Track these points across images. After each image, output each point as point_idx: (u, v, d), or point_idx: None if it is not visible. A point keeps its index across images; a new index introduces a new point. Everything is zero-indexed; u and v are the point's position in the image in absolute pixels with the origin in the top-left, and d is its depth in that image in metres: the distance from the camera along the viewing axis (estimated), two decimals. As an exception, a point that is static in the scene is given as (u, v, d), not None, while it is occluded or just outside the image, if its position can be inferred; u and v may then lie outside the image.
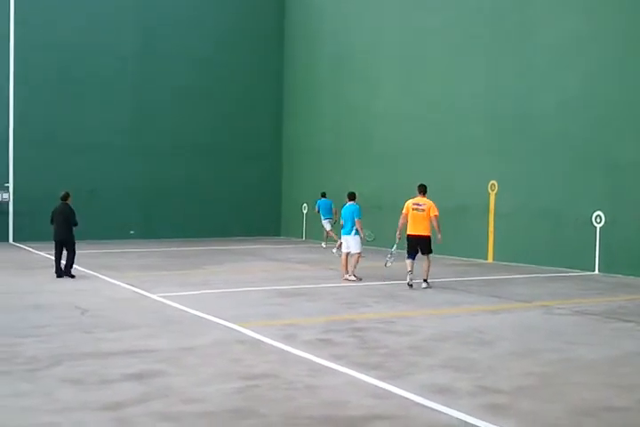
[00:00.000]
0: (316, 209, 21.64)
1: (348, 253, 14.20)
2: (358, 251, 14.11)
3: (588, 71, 16.16)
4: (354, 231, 14.10)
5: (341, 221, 14.54)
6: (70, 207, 14.66)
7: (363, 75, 23.51)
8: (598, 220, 15.81)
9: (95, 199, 23.70)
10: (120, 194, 24.77)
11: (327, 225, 21.37)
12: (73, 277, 14.20)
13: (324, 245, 21.91)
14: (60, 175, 23.27)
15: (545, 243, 17.06)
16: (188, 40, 26.02)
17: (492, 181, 18.51)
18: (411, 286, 12.83)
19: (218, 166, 26.35)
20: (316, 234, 22.92)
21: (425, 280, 12.99)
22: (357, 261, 14.14)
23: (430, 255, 13.27)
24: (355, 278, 13.93)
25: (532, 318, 9.89)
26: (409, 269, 13.00)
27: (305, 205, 25.82)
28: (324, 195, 21.76)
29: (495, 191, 18.45)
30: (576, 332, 8.89)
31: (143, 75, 25.40)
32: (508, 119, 18.11)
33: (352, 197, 14.54)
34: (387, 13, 22.53)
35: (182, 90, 25.89)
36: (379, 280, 14.02)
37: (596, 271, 15.65)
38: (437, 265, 17.20)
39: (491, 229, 18.56)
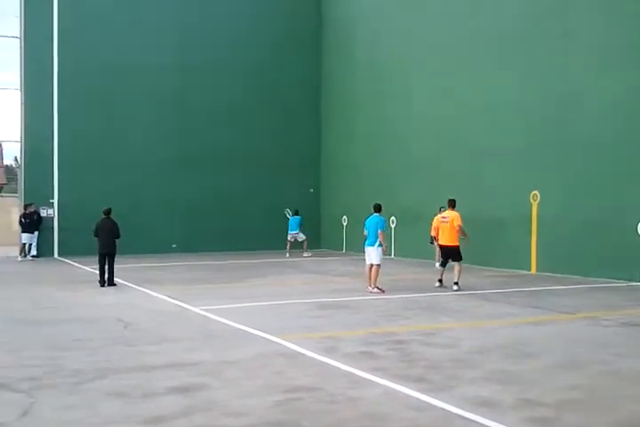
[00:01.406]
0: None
1: (371, 265, 14.10)
2: (378, 262, 14.03)
3: (631, 76, 15.91)
4: (377, 243, 14.03)
5: (365, 232, 14.42)
6: (113, 221, 15.43)
7: (399, 85, 23.51)
8: (644, 229, 15.53)
9: (137, 214, 24.00)
10: (161, 208, 25.09)
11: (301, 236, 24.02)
12: (115, 285, 15.18)
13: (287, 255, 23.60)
14: (103, 191, 23.65)
15: (589, 253, 16.78)
16: (228, 55, 26.34)
17: (534, 191, 18.31)
18: (440, 281, 14.71)
19: (257, 180, 26.52)
20: (358, 246, 22.80)
21: (456, 283, 14.24)
22: (378, 273, 14.04)
23: (461, 262, 14.68)
24: (378, 291, 13.81)
25: (576, 329, 9.73)
26: (439, 277, 14.84)
27: (345, 217, 25.84)
28: (296, 213, 24.60)
29: (537, 201, 18.23)
30: (622, 343, 8.72)
31: (184, 90, 25.75)
32: (549, 127, 17.92)
33: (378, 208, 14.48)
34: (423, 21, 22.53)
35: (222, 104, 26.17)
36: (419, 292, 13.93)
37: (643, 282, 15.36)
38: (479, 277, 17.11)
39: (533, 239, 18.33)
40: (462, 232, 14.81)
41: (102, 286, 15.06)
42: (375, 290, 13.86)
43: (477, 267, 19.40)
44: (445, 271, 14.92)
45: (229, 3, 26.68)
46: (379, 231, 13.98)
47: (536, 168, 18.28)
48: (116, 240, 15.38)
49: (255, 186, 26.35)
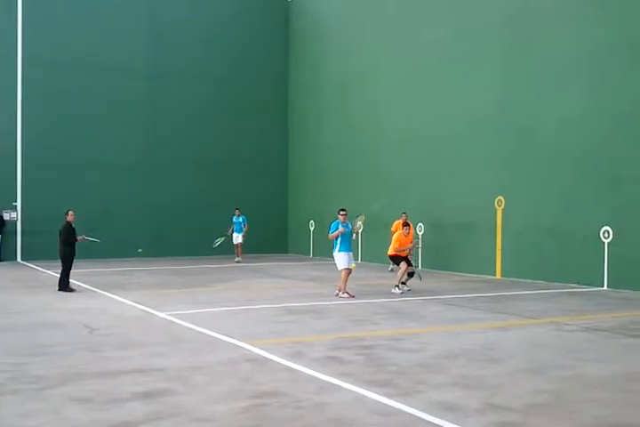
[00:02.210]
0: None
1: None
2: (339, 267, 14.08)
3: (594, 85, 16.18)
4: (334, 248, 14.14)
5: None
6: (65, 225, 15.17)
7: (367, 93, 23.64)
8: (606, 235, 15.75)
9: (103, 218, 23.76)
10: (127, 212, 24.88)
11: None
12: (65, 290, 14.88)
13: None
14: (69, 194, 23.39)
15: (553, 258, 17.01)
16: (198, 59, 26.34)
17: (498, 197, 18.50)
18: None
19: (225, 184, 26.49)
20: (325, 251, 22.82)
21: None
22: (345, 278, 13.96)
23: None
24: (347, 296, 13.82)
25: (541, 334, 9.83)
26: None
27: (312, 222, 25.85)
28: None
29: (502, 207, 18.42)
30: (586, 348, 8.83)
31: (153, 93, 25.62)
32: (513, 134, 18.13)
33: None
34: (390, 30, 22.68)
35: (191, 108, 26.13)
36: (386, 297, 13.98)
37: (605, 287, 15.58)
38: (445, 282, 17.25)
39: (498, 244, 18.52)
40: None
41: (59, 290, 15.00)
42: (344, 295, 13.91)
43: (443, 272, 19.56)
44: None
45: (200, 8, 26.60)
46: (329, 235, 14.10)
47: (501, 174, 18.48)
48: (67, 244, 15.08)
49: (223, 190, 26.27)
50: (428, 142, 20.98)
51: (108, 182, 24.75)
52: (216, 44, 26.69)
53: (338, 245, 14.09)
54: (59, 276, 15.27)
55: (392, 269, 18.61)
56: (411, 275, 15.32)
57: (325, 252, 21.79)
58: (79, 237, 15.27)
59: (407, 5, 22.04)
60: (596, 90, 16.17)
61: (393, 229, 18.50)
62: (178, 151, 25.86)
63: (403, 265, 15.00)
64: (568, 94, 16.75)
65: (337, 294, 13.96)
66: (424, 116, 21.14)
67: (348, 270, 14.00)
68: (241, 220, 23.78)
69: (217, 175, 26.46)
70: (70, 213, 15.25)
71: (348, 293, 13.92)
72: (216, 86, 26.54)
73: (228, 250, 23.87)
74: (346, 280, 13.99)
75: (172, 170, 25.75)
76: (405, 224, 15.61)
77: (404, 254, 15.28)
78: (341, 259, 14.07)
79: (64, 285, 14.98)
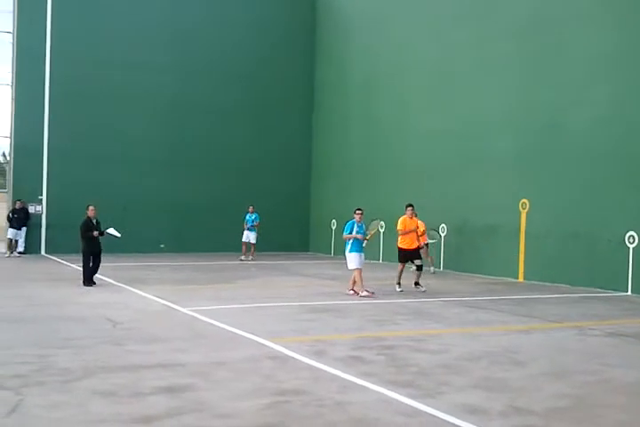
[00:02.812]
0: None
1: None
2: (350, 267, 14.19)
3: (621, 86, 16.00)
4: (348, 247, 14.22)
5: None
6: (84, 220, 15.16)
7: (392, 91, 23.59)
8: (631, 240, 15.60)
9: (127, 213, 23.92)
10: (151, 208, 25.05)
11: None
12: (89, 285, 14.91)
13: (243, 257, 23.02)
14: (93, 189, 23.56)
15: (577, 262, 16.86)
16: (225, 58, 26.49)
17: (522, 200, 18.38)
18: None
19: (248, 182, 26.55)
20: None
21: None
22: (359, 277, 14.00)
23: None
24: (367, 294, 13.82)
25: (564, 338, 9.76)
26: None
27: (334, 221, 25.84)
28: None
29: (526, 210, 18.31)
30: (610, 353, 8.76)
31: (180, 91, 25.77)
32: (539, 136, 18.01)
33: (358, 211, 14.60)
34: (416, 29, 22.65)
35: (217, 107, 26.25)
36: (406, 297, 13.95)
37: (629, 292, 15.42)
38: (466, 283, 17.18)
39: (522, 247, 18.40)
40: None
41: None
42: (350, 292, 14.10)
43: (466, 274, 19.49)
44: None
45: (229, 7, 26.71)
46: (357, 235, 14.13)
47: (525, 177, 18.36)
48: (84, 239, 15.13)
49: (246, 187, 26.33)
50: (452, 143, 20.89)
51: (133, 178, 24.92)
52: (243, 43, 26.77)
53: (349, 246, 14.16)
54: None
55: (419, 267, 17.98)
56: (419, 268, 15.04)
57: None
58: (95, 233, 15.05)
59: (433, 6, 21.97)
60: (622, 92, 16.00)
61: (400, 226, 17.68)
62: (202, 148, 25.98)
63: (400, 266, 15.07)
64: (594, 96, 16.59)
65: (353, 293, 13.93)
66: (449, 116, 21.05)
67: (360, 270, 14.01)
68: (254, 217, 23.30)
69: (240, 173, 26.54)
70: (91, 207, 15.23)
71: (367, 291, 13.91)
72: (243, 85, 26.63)
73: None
74: (361, 279, 13.96)
75: (196, 167, 25.87)
76: (409, 205, 15.24)
77: (413, 247, 15.02)
78: (352, 259, 14.09)
79: (84, 279, 15.03)
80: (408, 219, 15.16)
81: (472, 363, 7.98)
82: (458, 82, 20.80)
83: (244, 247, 23.15)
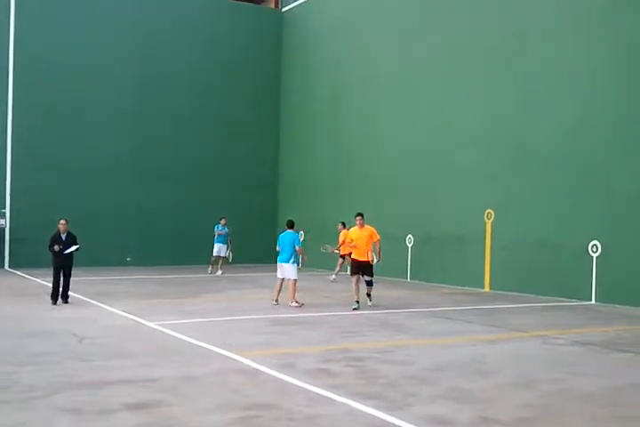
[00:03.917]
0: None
1: (283, 280, 14.54)
2: (295, 277, 14.46)
3: (586, 99, 16.30)
4: (292, 260, 14.46)
5: (277, 248, 14.79)
6: (52, 233, 14.63)
7: (359, 104, 23.75)
8: (594, 249, 15.85)
9: (92, 226, 23.66)
10: (117, 220, 24.83)
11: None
12: (54, 303, 14.24)
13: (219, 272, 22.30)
14: (58, 201, 23.29)
15: (542, 272, 17.08)
16: (190, 69, 26.38)
17: (488, 210, 18.59)
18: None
19: (215, 194, 26.47)
20: (313, 262, 22.80)
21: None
22: (295, 288, 14.41)
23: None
24: (297, 304, 14.18)
25: (530, 348, 9.88)
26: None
27: (302, 233, 25.83)
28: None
29: (491, 220, 18.52)
30: (575, 362, 8.89)
31: (145, 101, 25.62)
32: (505, 147, 18.25)
33: (291, 225, 14.86)
34: (383, 43, 22.83)
35: (181, 118, 26.16)
36: (373, 309, 14.00)
37: (593, 301, 15.66)
38: (433, 294, 17.30)
39: (487, 257, 18.60)
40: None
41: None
42: (294, 304, 14.21)
43: (432, 284, 19.61)
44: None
45: (193, 19, 26.69)
46: (297, 247, 14.45)
47: (490, 187, 18.59)
48: (52, 254, 14.49)
49: (213, 200, 26.23)
50: (418, 155, 21.08)
51: (99, 190, 24.68)
52: (208, 54, 26.75)
53: (293, 258, 14.54)
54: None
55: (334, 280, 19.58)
56: (369, 283, 14.60)
57: (314, 263, 21.84)
58: (55, 247, 14.31)
59: (400, 20, 22.16)
60: (587, 105, 16.29)
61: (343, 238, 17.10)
62: (168, 160, 25.86)
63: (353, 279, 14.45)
64: (559, 109, 16.87)
65: (298, 304, 14.27)
66: (415, 130, 21.25)
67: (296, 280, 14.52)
68: (227, 230, 22.58)
69: (207, 185, 26.46)
70: (61, 221, 14.60)
71: (297, 301, 14.33)
72: (207, 97, 26.60)
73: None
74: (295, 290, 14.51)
75: (162, 179, 25.74)
76: (358, 215, 14.78)
77: (363, 259, 14.51)
78: (296, 270, 14.61)
79: (51, 295, 14.39)
80: (357, 229, 14.58)
81: (439, 374, 8.04)
82: (424, 95, 21.02)
83: (213, 260, 22.55)
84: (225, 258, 22.53)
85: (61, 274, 14.49)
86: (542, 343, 10.23)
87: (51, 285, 14.65)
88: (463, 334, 11.03)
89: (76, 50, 24.65)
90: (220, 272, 22.27)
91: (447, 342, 10.34)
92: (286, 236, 14.63)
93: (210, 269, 22.58)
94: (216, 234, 22.34)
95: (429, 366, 8.46)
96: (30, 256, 21.72)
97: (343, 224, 20.20)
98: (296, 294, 14.40)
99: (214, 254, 22.35)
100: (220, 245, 22.34)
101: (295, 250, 14.45)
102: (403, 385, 7.47)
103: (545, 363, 8.79)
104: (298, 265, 14.86)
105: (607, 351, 9.64)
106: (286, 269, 14.46)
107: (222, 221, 22.55)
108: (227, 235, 22.43)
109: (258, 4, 29.72)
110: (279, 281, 14.63)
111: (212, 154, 26.61)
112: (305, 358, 8.88)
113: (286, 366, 8.30)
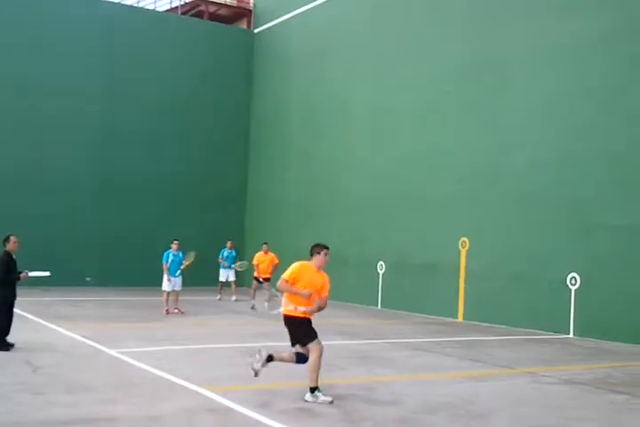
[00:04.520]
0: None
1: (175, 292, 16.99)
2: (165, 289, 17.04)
3: (562, 130, 15.96)
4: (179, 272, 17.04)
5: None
6: (2, 256, 10.97)
7: (331, 129, 23.26)
8: (573, 282, 15.40)
9: (49, 244, 22.68)
10: (78, 239, 23.84)
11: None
12: (7, 349, 10.72)
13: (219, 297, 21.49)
14: (15, 220, 22.24)
15: (517, 303, 16.57)
16: (156, 86, 25.73)
17: (462, 238, 18.10)
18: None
19: (179, 213, 25.71)
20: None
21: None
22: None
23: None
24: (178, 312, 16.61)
25: (520, 386, 9.27)
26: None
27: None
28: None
29: (466, 248, 18.02)
30: (571, 406, 8.27)
31: (109, 119, 24.88)
32: (479, 177, 17.81)
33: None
34: (356, 67, 22.42)
35: (147, 135, 25.46)
36: (351, 339, 13.33)
37: (571, 335, 15.17)
38: (406, 323, 16.70)
39: (461, 286, 18.07)
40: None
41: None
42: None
43: (404, 313, 19.04)
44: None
45: (163, 36, 26.09)
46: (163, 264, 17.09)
47: (466, 216, 18.10)
48: (4, 283, 10.84)
49: (176, 219, 25.41)
50: (391, 180, 20.56)
51: (60, 208, 23.68)
52: (177, 73, 26.19)
53: (169, 271, 17.08)
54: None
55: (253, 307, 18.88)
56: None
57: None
58: (22, 274, 11.02)
59: (374, 44, 21.76)
60: (562, 134, 15.94)
61: (255, 261, 19.08)
62: (132, 179, 25.05)
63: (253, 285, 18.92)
64: (537, 139, 16.49)
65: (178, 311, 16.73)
66: (388, 155, 20.76)
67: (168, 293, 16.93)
68: (234, 254, 21.59)
69: (172, 204, 25.69)
70: (12, 238, 11.12)
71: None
72: (176, 115, 25.95)
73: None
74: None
75: (125, 198, 24.90)
76: (265, 243, 19.22)
77: (264, 276, 18.78)
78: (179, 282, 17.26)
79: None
80: (263, 254, 18.89)
81: (430, 416, 7.37)
82: (396, 120, 20.59)
83: (220, 286, 21.53)
84: (234, 281, 21.60)
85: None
86: (531, 382, 9.62)
87: None
88: (446, 370, 10.40)
89: (41, 64, 23.80)
90: (233, 298, 21.19)
91: (431, 377, 9.70)
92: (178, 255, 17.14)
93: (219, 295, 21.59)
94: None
95: (418, 407, 7.79)
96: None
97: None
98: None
99: (221, 279, 21.57)
100: (228, 270, 21.42)
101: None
102: (392, 430, 6.79)
103: (539, 405, 8.16)
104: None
105: (602, 392, 9.06)
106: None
107: (229, 244, 21.49)
108: (235, 258, 21.56)
109: (230, 24, 29.23)
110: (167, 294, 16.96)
111: (178, 173, 25.86)
112: (282, 394, 8.16)
113: (262, 405, 7.57)
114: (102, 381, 8.63)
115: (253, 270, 19.25)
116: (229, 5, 28.91)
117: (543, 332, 15.56)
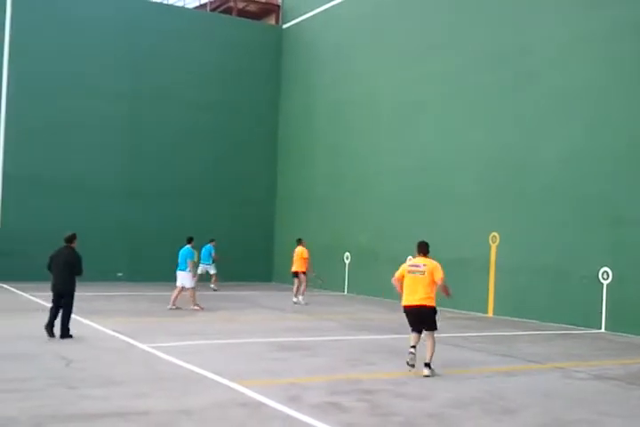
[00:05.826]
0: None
1: (182, 288, 16.64)
2: (192, 286, 16.65)
3: (592, 122, 15.79)
4: (187, 269, 16.66)
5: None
6: (75, 252, 12.11)
7: (359, 125, 23.20)
8: (605, 276, 15.24)
9: (82, 240, 22.87)
10: (109, 235, 24.09)
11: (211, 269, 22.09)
12: (70, 337, 11.56)
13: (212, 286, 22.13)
14: (48, 215, 22.62)
15: (548, 298, 16.44)
16: (184, 84, 25.83)
17: (493, 233, 17.98)
18: (412, 366, 9.44)
19: (209, 211, 25.84)
20: (312, 280, 22.12)
21: (427, 365, 9.41)
22: (194, 294, 16.65)
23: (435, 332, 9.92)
24: (198, 308, 16.38)
25: (550, 381, 9.21)
26: (412, 343, 9.72)
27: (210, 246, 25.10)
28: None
29: (496, 243, 17.90)
30: (602, 400, 8.20)
31: (138, 118, 25.05)
32: (510, 170, 17.66)
33: (189, 240, 17.09)
34: (383, 62, 22.34)
35: (175, 133, 25.60)
36: (377, 333, 13.34)
37: (603, 329, 15.02)
38: (438, 318, 16.56)
39: (492, 281, 17.96)
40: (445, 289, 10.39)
41: (50, 336, 11.54)
42: (196, 307, 16.38)
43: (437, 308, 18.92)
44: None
45: (192, 34, 26.17)
46: (188, 261, 16.65)
47: (496, 210, 17.97)
48: (76, 278, 12.05)
49: (207, 216, 25.56)
50: (421, 175, 20.47)
51: (90, 205, 23.95)
52: (207, 70, 26.25)
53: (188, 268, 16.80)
54: (50, 315, 11.87)
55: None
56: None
57: (312, 281, 21.14)
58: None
59: (401, 38, 21.66)
60: (596, 129, 15.74)
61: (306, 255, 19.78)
62: (162, 176, 25.23)
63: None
64: (567, 132, 16.32)
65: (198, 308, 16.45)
66: (418, 149, 20.67)
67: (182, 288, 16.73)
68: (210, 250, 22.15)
69: (201, 201, 25.80)
70: (75, 237, 12.28)
71: (198, 305, 16.61)
72: (204, 113, 26.01)
73: (205, 277, 22.84)
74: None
75: (155, 195, 25.07)
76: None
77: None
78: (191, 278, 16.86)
79: (67, 329, 11.69)
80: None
81: (461, 411, 7.36)
82: (426, 115, 20.48)
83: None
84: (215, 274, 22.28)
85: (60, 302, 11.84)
86: (562, 377, 9.56)
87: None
88: (476, 365, 10.37)
89: (69, 65, 24.03)
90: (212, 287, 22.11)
91: (461, 372, 9.68)
92: (183, 250, 16.89)
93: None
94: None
95: (447, 401, 7.78)
96: (18, 269, 20.95)
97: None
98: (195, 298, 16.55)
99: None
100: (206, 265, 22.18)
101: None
102: (423, 425, 6.78)
103: (570, 400, 8.11)
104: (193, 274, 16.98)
105: (634, 388, 8.98)
106: (184, 278, 16.70)
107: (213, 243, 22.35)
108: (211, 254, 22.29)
109: (259, 19, 29.28)
110: (179, 288, 16.68)
111: (208, 169, 25.99)
112: (312, 389, 8.18)
113: (293, 399, 7.61)
114: (134, 375, 8.74)
115: (301, 266, 19.80)
116: (258, 1, 28.96)
117: (574, 327, 15.43)
